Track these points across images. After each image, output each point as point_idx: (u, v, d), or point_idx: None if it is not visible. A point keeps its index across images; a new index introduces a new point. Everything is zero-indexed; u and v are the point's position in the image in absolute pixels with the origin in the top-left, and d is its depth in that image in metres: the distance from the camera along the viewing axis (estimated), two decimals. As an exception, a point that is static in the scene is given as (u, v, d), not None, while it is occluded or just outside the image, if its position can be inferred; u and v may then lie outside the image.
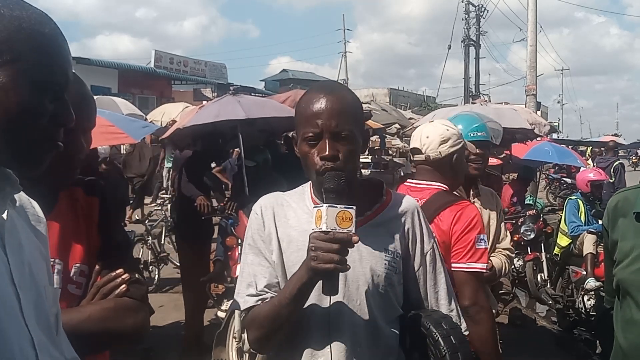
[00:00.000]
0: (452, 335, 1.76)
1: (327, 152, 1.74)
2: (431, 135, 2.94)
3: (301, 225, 1.84)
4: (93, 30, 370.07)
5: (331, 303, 1.80)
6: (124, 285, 1.61)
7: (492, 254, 3.49)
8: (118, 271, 1.62)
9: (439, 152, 2.91)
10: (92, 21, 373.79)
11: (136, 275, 1.66)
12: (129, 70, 26.73)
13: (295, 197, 1.94)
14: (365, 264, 1.83)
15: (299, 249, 1.80)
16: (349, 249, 1.66)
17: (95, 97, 1.95)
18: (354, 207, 1.66)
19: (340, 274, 1.72)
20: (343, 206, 1.65)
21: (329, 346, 1.80)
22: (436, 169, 2.92)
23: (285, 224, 1.89)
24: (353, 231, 1.64)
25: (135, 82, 26.45)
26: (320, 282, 1.69)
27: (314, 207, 1.71)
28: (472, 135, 3.36)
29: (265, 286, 1.85)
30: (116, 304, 1.58)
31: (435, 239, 2.03)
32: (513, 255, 3.64)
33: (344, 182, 1.71)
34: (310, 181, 1.92)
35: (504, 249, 3.57)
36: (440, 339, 1.74)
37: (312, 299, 1.79)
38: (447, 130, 2.99)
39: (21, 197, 1.27)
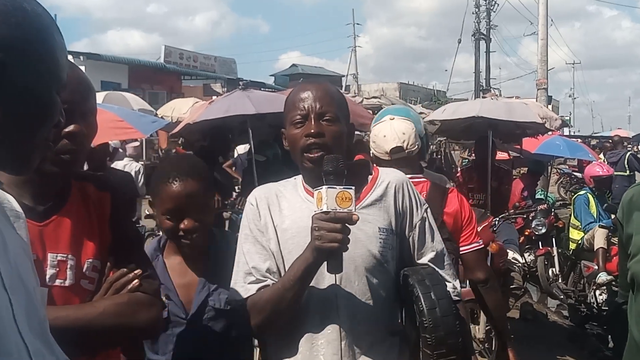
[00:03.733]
0: (433, 291, 1.78)
1: (312, 130, 1.86)
2: (407, 131, 2.97)
3: (295, 213, 1.90)
4: (104, 25, 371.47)
5: (328, 286, 1.86)
6: (136, 280, 1.60)
7: None
8: (130, 266, 1.62)
9: (417, 145, 2.98)
10: (103, 16, 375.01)
11: (148, 270, 1.66)
12: (139, 65, 26.79)
13: (288, 187, 2.02)
14: (360, 245, 1.87)
15: (293, 236, 1.87)
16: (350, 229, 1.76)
17: (105, 92, 1.97)
18: (353, 187, 1.73)
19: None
20: (342, 187, 1.72)
21: (329, 327, 1.86)
22: (411, 162, 2.98)
23: (279, 213, 1.95)
24: (353, 210, 1.71)
25: (146, 77, 26.49)
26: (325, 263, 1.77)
27: (315, 189, 1.78)
28: None
29: (266, 270, 1.89)
30: (130, 298, 1.58)
31: (427, 208, 2.08)
32: None
33: (342, 165, 1.77)
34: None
35: None
36: (420, 295, 1.77)
37: (312, 284, 1.84)
38: (411, 122, 3.06)
39: None
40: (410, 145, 2.95)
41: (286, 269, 1.87)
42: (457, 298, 2.01)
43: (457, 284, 2.05)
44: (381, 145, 2.99)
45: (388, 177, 2.02)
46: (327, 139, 1.86)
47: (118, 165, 10.04)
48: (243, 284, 1.90)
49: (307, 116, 1.89)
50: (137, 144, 10.34)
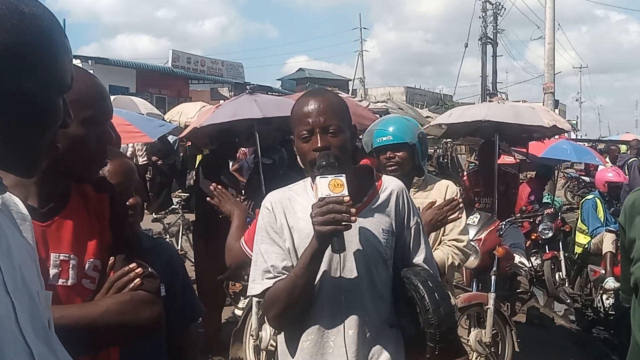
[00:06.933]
0: (436, 292, 2.00)
1: (319, 144, 2.03)
2: None
3: (307, 215, 2.00)
4: (113, 29, 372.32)
5: (339, 279, 2.05)
6: (137, 279, 1.62)
7: (437, 247, 3.45)
8: (131, 265, 1.64)
9: None
10: (112, 21, 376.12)
11: (149, 269, 1.68)
12: (147, 70, 26.88)
13: (299, 191, 2.20)
14: (368, 243, 2.08)
15: (308, 236, 2.00)
16: (357, 227, 1.99)
17: (114, 97, 2.00)
18: (344, 175, 1.93)
19: (349, 256, 2.04)
20: (333, 175, 1.92)
21: (339, 317, 2.05)
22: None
23: (294, 215, 2.13)
24: (346, 194, 1.89)
25: (153, 81, 26.59)
26: (330, 255, 1.98)
27: (313, 183, 1.99)
28: (378, 141, 3.49)
29: (282, 268, 2.07)
30: (132, 297, 1.60)
31: (419, 215, 2.29)
32: (463, 242, 3.49)
33: (333, 159, 1.98)
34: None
35: (450, 240, 3.47)
36: (425, 294, 1.98)
37: (324, 278, 2.04)
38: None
39: (4, 195, 1.19)
40: None
41: None
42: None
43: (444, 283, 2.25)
44: None
45: (391, 185, 2.22)
46: (332, 151, 2.02)
47: None
48: (261, 281, 2.10)
49: (312, 131, 2.05)
50: None
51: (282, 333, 2.21)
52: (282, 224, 2.12)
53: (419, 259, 2.19)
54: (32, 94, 1.04)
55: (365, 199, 2.15)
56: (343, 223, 1.88)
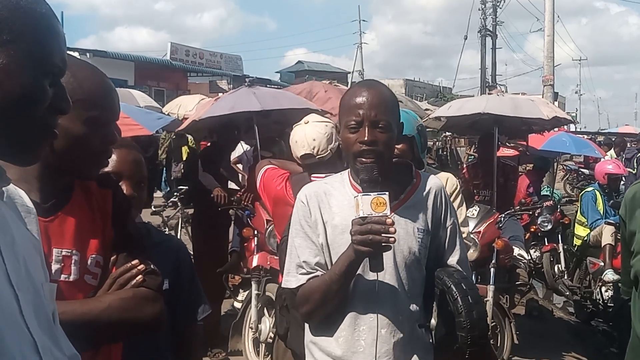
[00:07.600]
0: (469, 295, 1.96)
1: (366, 138, 1.97)
2: (317, 137, 3.01)
3: (343, 210, 2.03)
4: (111, 22, 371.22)
5: (373, 277, 2.01)
6: (140, 276, 1.62)
7: None
8: (134, 262, 1.64)
9: (330, 150, 3.02)
10: (111, 13, 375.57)
11: (151, 266, 1.68)
12: (145, 62, 26.79)
13: (336, 185, 2.15)
14: (402, 243, 2.03)
15: (342, 232, 2.00)
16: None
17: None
18: (387, 193, 1.88)
19: (384, 255, 1.93)
20: (376, 193, 1.87)
21: (371, 315, 2.02)
22: (329, 162, 3.02)
23: (329, 210, 2.10)
24: (388, 214, 1.85)
25: (152, 74, 26.50)
26: (367, 260, 1.94)
27: (354, 197, 1.94)
28: None
29: (315, 264, 2.06)
30: (134, 293, 1.60)
31: (456, 215, 2.24)
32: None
33: (377, 173, 1.93)
34: (349, 169, 2.14)
35: None
36: (458, 297, 1.95)
37: (358, 277, 2.01)
38: (327, 126, 3.08)
39: (8, 187, 1.18)
40: (322, 150, 3.00)
41: (333, 262, 2.04)
42: None
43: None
44: (294, 150, 3.07)
45: (429, 183, 2.17)
46: (379, 147, 1.98)
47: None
48: (295, 274, 2.09)
49: (361, 123, 1.99)
50: None
51: (308, 328, 2.18)
52: (317, 218, 2.10)
53: (453, 259, 2.14)
54: (10, 70, 1.03)
55: (402, 197, 2.11)
56: (383, 244, 1.86)
